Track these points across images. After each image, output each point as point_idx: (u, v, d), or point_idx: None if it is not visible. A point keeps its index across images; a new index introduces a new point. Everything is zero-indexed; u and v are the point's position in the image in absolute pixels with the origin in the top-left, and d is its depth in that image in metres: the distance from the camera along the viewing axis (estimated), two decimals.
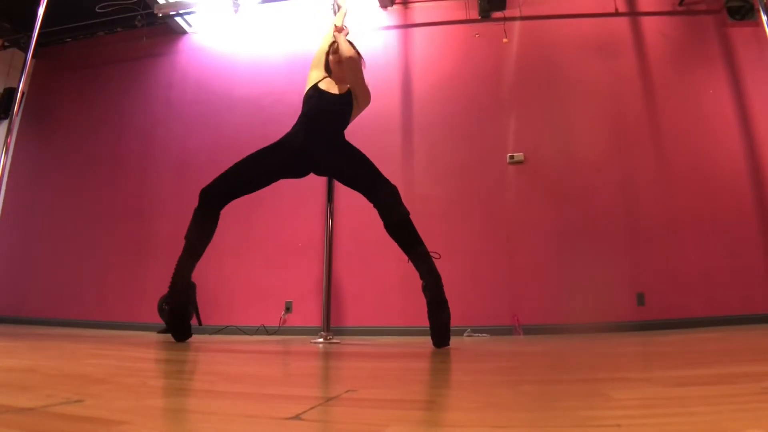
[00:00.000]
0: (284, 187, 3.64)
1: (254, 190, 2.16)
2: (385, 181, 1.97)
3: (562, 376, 0.88)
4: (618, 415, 0.48)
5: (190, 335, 1.99)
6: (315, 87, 2.25)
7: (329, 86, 2.24)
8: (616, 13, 3.69)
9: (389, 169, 3.56)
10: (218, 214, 2.06)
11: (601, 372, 0.92)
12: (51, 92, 4.58)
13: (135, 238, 3.87)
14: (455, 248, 3.17)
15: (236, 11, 4.04)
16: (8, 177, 4.05)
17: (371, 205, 2.10)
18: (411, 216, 1.94)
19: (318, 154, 2.11)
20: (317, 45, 2.44)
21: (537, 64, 3.64)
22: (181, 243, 3.96)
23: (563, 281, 3.15)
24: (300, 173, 2.19)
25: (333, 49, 2.29)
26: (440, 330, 1.77)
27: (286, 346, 2.01)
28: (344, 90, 2.22)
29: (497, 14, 3.74)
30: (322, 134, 2.11)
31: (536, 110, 3.54)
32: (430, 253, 1.86)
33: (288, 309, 3.40)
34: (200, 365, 1.17)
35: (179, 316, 1.94)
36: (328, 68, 2.31)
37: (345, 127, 2.21)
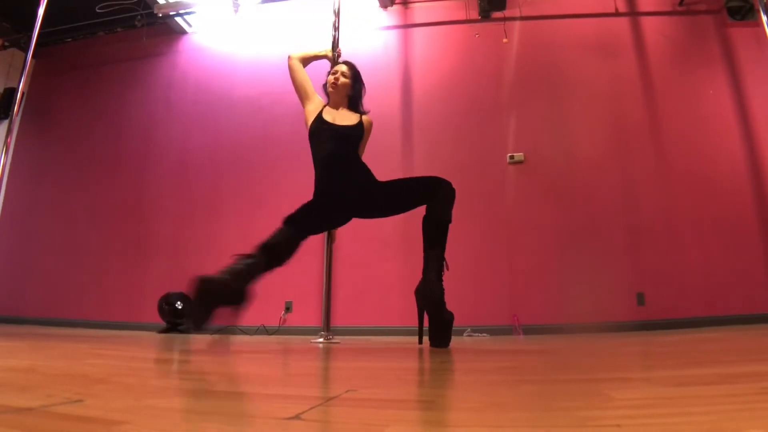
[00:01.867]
0: (284, 186, 3.66)
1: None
2: (447, 182, 1.93)
3: (562, 376, 0.88)
4: (618, 415, 0.48)
5: (205, 327, 1.80)
6: (320, 119, 2.09)
7: (334, 117, 2.11)
8: (616, 13, 3.69)
9: (389, 168, 3.58)
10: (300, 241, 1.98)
11: (601, 372, 0.92)
12: (51, 92, 4.59)
13: (135, 237, 3.87)
14: (455, 248, 3.14)
15: (236, 11, 4.04)
16: (8, 177, 4.05)
17: None
18: (411, 214, 1.95)
19: (357, 209, 2.06)
20: (297, 75, 2.33)
21: (537, 64, 3.64)
22: (181, 243, 3.97)
23: (563, 281, 3.15)
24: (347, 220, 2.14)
25: (332, 70, 2.25)
26: (441, 327, 1.74)
27: (286, 346, 2.01)
28: (355, 120, 2.11)
29: (497, 14, 3.74)
30: (350, 190, 2.00)
31: (536, 110, 3.54)
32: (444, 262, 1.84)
33: (288, 309, 3.40)
34: (200, 365, 1.17)
35: (207, 303, 1.79)
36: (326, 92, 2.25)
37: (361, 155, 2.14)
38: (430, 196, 1.90)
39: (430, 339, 1.76)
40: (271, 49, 4.07)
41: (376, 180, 2.03)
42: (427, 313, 1.77)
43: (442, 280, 1.79)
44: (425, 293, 1.77)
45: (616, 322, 2.98)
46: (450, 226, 1.87)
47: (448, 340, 1.74)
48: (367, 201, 2.00)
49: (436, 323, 1.74)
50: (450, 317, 1.75)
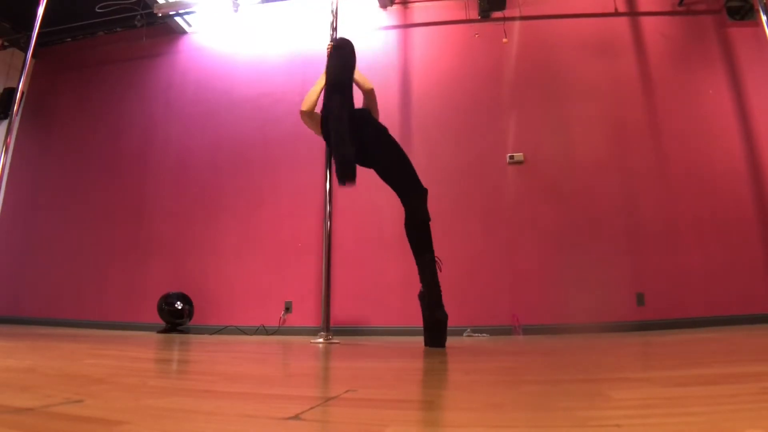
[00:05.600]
0: (284, 187, 3.66)
1: None
2: (418, 185, 2.00)
3: (562, 376, 0.88)
4: (618, 415, 0.48)
5: None
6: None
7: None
8: (616, 13, 3.69)
9: None
10: None
11: (601, 372, 0.92)
12: (51, 92, 4.58)
13: (134, 237, 3.87)
14: (455, 248, 3.17)
15: (236, 11, 4.04)
16: (8, 177, 4.05)
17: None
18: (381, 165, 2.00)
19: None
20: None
21: (537, 64, 3.64)
22: (181, 243, 3.97)
23: (563, 281, 3.15)
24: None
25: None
26: (435, 327, 1.76)
27: (285, 346, 2.01)
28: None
29: (497, 14, 3.74)
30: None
31: (536, 110, 3.54)
32: (436, 261, 1.86)
33: (288, 309, 3.40)
34: (200, 365, 1.17)
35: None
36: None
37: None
38: (405, 190, 1.97)
39: (425, 339, 1.77)
40: (271, 49, 4.07)
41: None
42: (426, 313, 1.79)
43: (437, 282, 1.81)
44: (429, 301, 1.81)
45: (616, 322, 2.98)
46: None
47: (443, 340, 1.75)
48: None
49: (430, 323, 1.77)
50: (444, 318, 1.76)
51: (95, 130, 4.31)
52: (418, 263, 1.88)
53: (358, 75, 2.30)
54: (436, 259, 1.87)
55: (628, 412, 0.50)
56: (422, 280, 1.84)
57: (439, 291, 1.80)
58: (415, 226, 1.92)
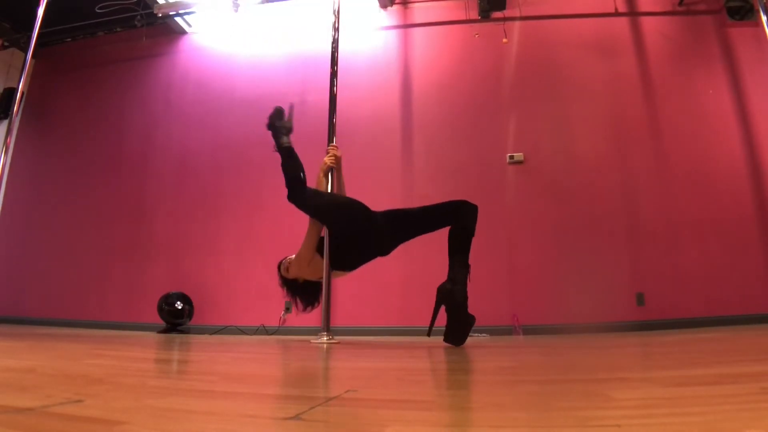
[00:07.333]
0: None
1: None
2: (468, 202, 2.14)
3: (562, 376, 0.88)
4: (618, 415, 0.48)
5: None
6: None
7: None
8: (616, 13, 3.69)
9: (389, 168, 3.57)
10: None
11: (601, 372, 0.92)
12: (51, 92, 4.59)
13: (135, 237, 3.87)
14: None
15: (236, 11, 4.04)
16: (8, 177, 4.05)
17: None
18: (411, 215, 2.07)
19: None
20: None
21: (537, 64, 3.64)
22: (181, 243, 3.96)
23: (563, 281, 3.15)
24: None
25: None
26: (460, 328, 1.80)
27: (286, 346, 2.01)
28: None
29: (497, 14, 3.74)
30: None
31: (536, 110, 3.54)
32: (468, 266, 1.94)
33: (288, 309, 3.40)
34: (200, 365, 1.17)
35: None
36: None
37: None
38: (456, 217, 2.08)
39: (446, 335, 1.82)
40: (271, 49, 4.07)
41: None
42: (448, 312, 1.81)
43: (466, 284, 1.88)
44: (450, 293, 1.85)
45: (616, 322, 2.98)
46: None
47: (463, 340, 1.79)
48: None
49: (456, 323, 1.81)
50: (471, 320, 1.83)
51: (95, 130, 4.31)
52: (451, 262, 1.95)
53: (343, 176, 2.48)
54: (469, 265, 1.94)
55: (628, 412, 0.50)
56: (451, 279, 1.89)
57: (466, 295, 1.86)
58: (458, 236, 2.03)
